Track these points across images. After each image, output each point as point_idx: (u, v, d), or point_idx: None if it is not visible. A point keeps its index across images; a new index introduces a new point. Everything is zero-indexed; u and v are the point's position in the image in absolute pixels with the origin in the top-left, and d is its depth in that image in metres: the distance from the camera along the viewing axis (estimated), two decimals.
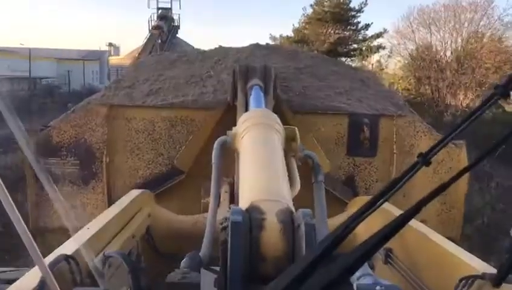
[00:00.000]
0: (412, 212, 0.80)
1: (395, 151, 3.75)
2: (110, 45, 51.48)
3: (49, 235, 3.49)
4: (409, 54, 23.17)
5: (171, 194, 3.67)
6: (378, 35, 29.22)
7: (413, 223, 2.10)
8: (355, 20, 30.48)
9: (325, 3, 29.74)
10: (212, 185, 2.25)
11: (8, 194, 0.83)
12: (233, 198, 2.84)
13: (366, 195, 3.62)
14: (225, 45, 5.48)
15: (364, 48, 28.18)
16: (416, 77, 21.84)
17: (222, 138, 2.44)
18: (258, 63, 3.85)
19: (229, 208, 2.63)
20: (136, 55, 24.52)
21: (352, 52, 28.93)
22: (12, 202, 0.84)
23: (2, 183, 0.82)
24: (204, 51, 4.94)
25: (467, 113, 0.86)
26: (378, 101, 4.12)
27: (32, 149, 1.10)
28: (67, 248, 1.63)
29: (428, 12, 23.66)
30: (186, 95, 3.94)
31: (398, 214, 0.83)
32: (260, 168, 1.98)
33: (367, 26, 30.33)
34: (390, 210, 2.12)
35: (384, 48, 27.13)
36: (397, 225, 0.79)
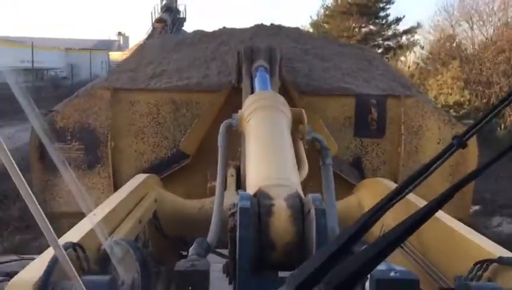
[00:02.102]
0: (440, 202, 0.76)
1: (402, 132, 3.70)
2: (120, 34, 50.72)
3: (55, 221, 3.49)
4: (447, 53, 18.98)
5: (177, 178, 3.65)
6: (411, 30, 26.02)
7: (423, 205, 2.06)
8: (384, 13, 27.37)
9: None
10: (218, 169, 2.22)
11: (22, 176, 0.82)
12: (239, 181, 2.82)
13: (373, 177, 3.58)
14: None
15: (396, 46, 24.87)
16: (464, 81, 17.99)
17: (228, 120, 2.40)
18: (262, 44, 3.78)
19: (236, 191, 2.62)
20: None
21: (378, 50, 25.22)
22: (26, 184, 0.83)
23: (16, 166, 0.80)
24: (207, 33, 4.86)
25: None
26: (385, 82, 4.05)
27: (47, 132, 1.09)
28: (74, 234, 1.61)
29: (471, 3, 20.06)
30: (190, 77, 3.88)
31: (415, 202, 0.80)
32: (267, 152, 1.95)
33: (398, 20, 27.20)
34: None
35: (422, 47, 22.96)
36: (422, 217, 0.76)
